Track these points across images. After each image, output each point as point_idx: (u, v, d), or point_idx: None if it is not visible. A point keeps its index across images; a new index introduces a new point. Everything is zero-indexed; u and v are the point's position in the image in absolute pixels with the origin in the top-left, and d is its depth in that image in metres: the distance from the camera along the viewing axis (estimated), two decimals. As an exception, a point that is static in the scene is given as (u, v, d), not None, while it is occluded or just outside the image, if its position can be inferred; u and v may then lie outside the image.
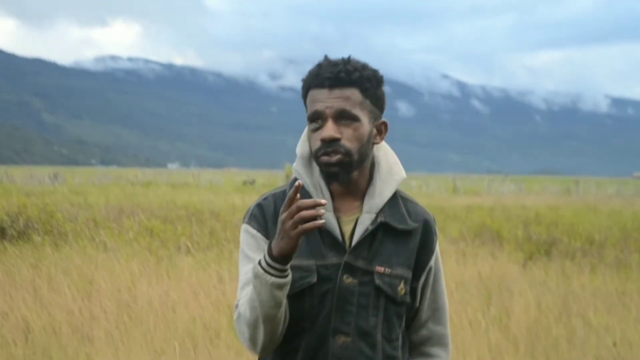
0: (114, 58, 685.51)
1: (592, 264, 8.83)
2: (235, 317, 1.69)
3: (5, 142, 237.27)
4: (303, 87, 1.72)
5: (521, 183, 47.76)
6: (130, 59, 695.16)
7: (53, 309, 5.60)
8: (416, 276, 1.75)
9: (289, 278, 1.59)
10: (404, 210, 1.74)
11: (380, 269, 1.68)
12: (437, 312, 1.81)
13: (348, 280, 1.66)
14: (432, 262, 1.77)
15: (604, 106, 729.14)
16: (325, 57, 1.71)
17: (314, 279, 1.66)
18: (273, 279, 1.56)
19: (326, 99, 1.65)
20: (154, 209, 13.98)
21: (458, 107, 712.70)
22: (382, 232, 1.70)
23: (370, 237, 1.69)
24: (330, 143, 1.64)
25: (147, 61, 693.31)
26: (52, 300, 5.84)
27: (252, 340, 1.65)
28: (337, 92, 1.65)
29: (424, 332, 1.81)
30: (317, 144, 1.66)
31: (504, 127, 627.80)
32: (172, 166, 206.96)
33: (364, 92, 1.67)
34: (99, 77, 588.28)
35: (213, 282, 6.71)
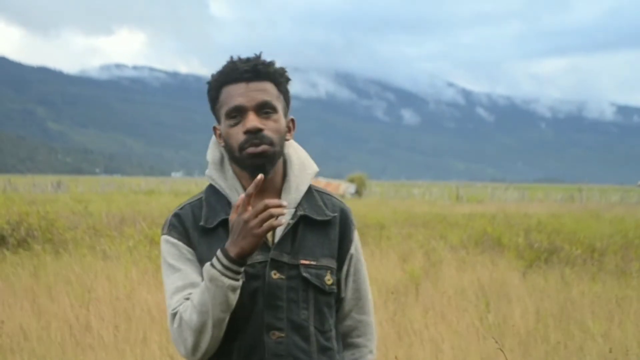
0: (119, 66, 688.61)
1: (592, 272, 8.80)
2: (175, 325, 1.65)
3: (10, 151, 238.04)
4: (214, 87, 1.70)
5: (525, 191, 47.66)
6: (135, 68, 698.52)
7: (51, 317, 5.60)
8: (339, 266, 1.77)
9: (242, 280, 1.61)
10: (320, 202, 1.76)
11: (305, 261, 1.69)
12: (360, 301, 1.83)
13: (276, 276, 1.66)
14: (352, 251, 1.79)
15: (609, 114, 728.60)
16: (232, 57, 1.71)
17: (243, 278, 1.63)
18: (230, 281, 1.57)
19: (245, 93, 1.65)
20: (155, 217, 13.99)
21: (463, 114, 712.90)
22: (303, 225, 1.71)
23: (292, 231, 1.70)
24: (255, 134, 1.64)
25: (152, 69, 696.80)
26: (50, 309, 5.85)
27: (195, 347, 1.63)
28: (255, 85, 1.66)
29: (348, 322, 1.82)
30: (239, 137, 1.65)
31: (509, 135, 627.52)
32: (176, 175, 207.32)
33: (278, 86, 1.70)
34: (104, 86, 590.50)
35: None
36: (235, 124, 1.66)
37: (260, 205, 1.53)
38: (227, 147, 1.70)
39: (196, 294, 1.62)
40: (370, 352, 1.85)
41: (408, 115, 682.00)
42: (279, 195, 1.74)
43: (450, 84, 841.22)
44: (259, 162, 1.66)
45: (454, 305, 6.47)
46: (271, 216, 1.54)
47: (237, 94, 1.66)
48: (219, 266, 1.58)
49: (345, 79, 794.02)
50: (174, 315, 1.66)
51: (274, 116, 1.67)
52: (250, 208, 1.57)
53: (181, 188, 39.94)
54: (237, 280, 1.59)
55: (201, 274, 1.66)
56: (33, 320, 5.48)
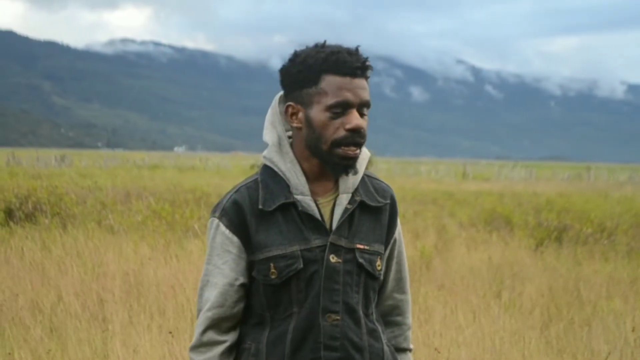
0: (124, 41, 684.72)
1: (603, 251, 8.75)
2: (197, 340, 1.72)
3: (14, 125, 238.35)
4: (313, 70, 1.63)
5: (532, 169, 47.47)
6: (142, 43, 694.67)
7: (62, 291, 5.59)
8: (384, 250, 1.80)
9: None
10: (371, 188, 1.77)
11: (360, 245, 1.71)
12: (401, 281, 1.88)
13: (334, 259, 1.68)
14: (396, 235, 1.82)
15: (620, 92, 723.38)
16: (326, 43, 1.67)
17: (301, 264, 1.66)
18: None
19: (353, 88, 1.63)
20: (161, 192, 13.97)
21: (472, 92, 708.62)
22: (359, 211, 1.72)
23: (349, 216, 1.71)
24: (358, 132, 1.64)
25: (158, 44, 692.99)
26: (60, 282, 5.83)
27: None
28: (359, 82, 1.64)
29: (389, 302, 1.87)
30: (339, 132, 1.63)
31: (517, 113, 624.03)
32: (179, 150, 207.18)
33: (367, 82, 1.69)
34: (111, 61, 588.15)
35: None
36: (336, 117, 1.63)
37: None
38: (313, 135, 1.65)
39: None
40: (409, 328, 1.91)
41: (417, 93, 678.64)
42: (336, 180, 1.72)
43: (460, 61, 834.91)
44: (350, 163, 1.66)
45: (466, 283, 6.44)
46: None
47: (345, 88, 1.62)
48: None
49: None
50: (203, 332, 1.72)
51: (366, 115, 1.67)
52: None
53: (185, 163, 39.86)
54: None
55: (238, 268, 1.68)
56: (46, 293, 5.46)
